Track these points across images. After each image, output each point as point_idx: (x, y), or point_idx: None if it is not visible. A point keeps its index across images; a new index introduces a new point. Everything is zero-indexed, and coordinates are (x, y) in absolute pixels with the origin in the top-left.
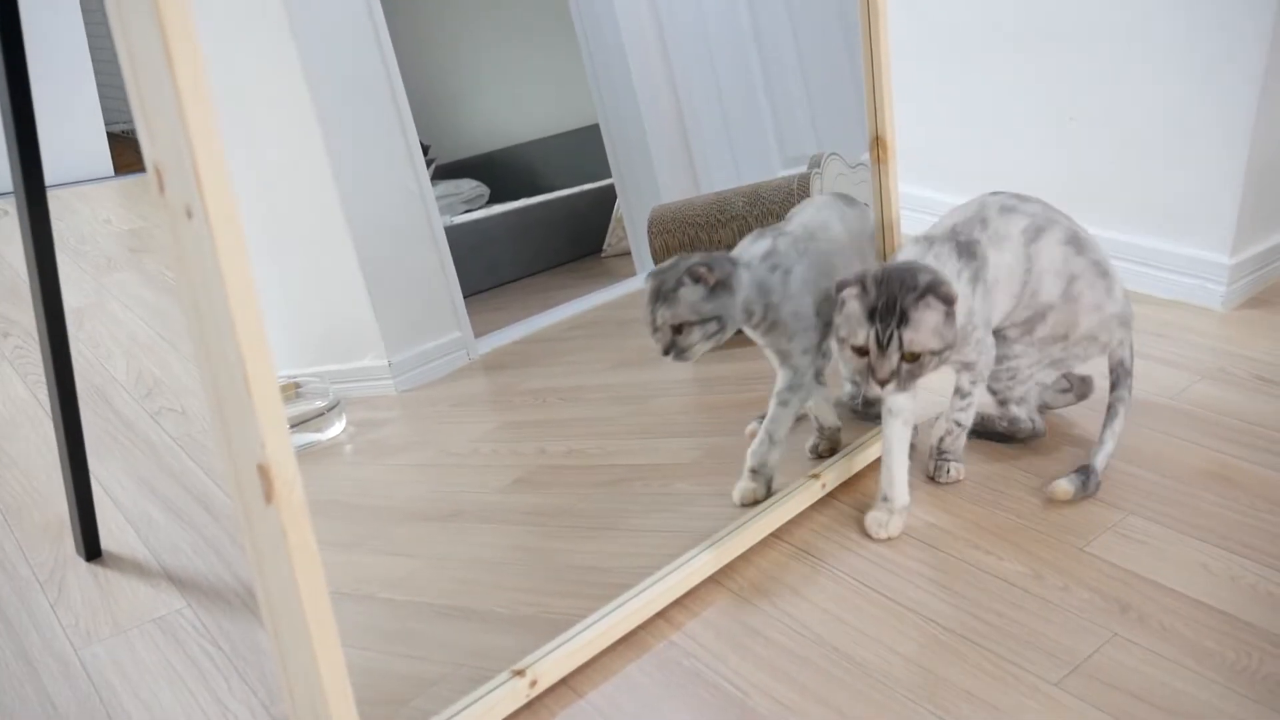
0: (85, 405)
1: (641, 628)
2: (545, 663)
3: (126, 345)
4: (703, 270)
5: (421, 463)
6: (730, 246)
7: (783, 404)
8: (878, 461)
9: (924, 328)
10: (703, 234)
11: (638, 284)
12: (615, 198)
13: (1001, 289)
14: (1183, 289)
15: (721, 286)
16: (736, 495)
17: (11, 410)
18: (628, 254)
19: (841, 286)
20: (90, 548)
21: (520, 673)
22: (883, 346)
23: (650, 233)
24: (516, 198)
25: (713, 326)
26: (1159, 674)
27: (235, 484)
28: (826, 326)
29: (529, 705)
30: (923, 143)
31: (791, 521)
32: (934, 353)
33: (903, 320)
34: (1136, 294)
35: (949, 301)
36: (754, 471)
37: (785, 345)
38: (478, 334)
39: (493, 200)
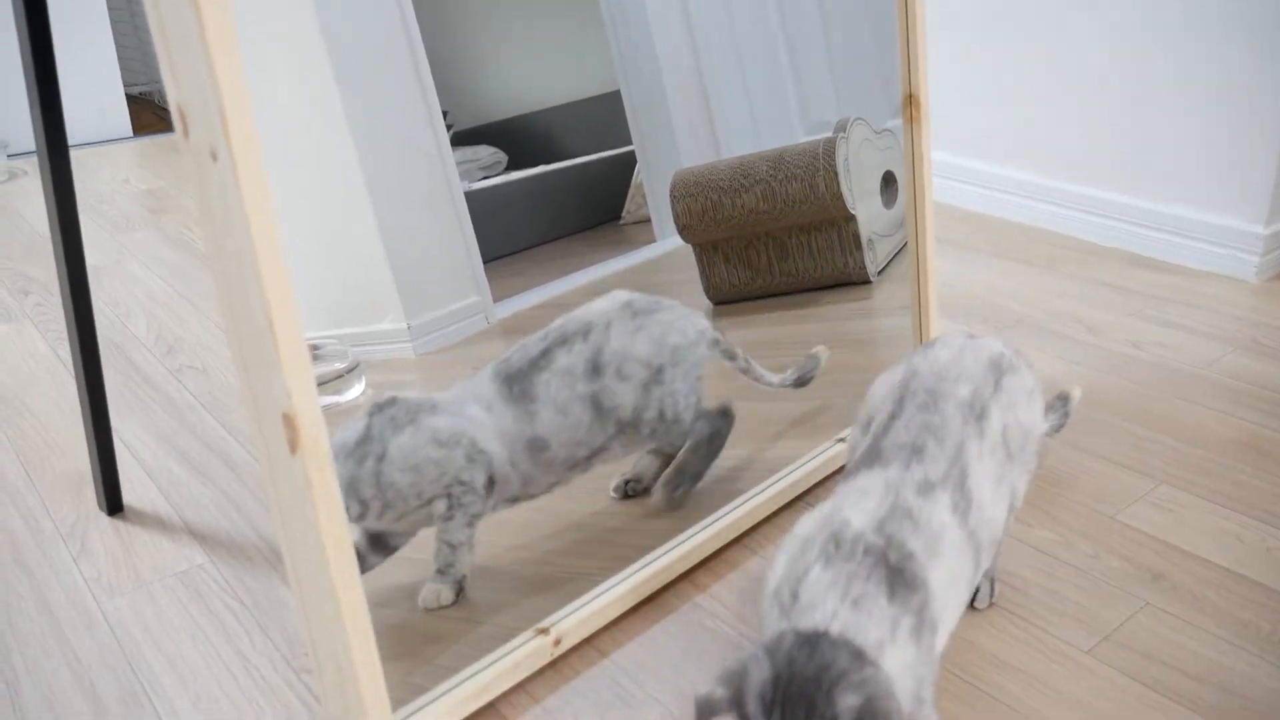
0: (106, 363)
1: (666, 589)
2: (569, 622)
3: (146, 303)
4: None
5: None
6: (754, 211)
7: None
8: None
9: None
10: (726, 198)
11: (657, 250)
12: (634, 165)
13: (952, 599)
14: (1216, 259)
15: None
16: (421, 598)
17: (32, 366)
18: (647, 221)
19: (707, 712)
20: (112, 502)
21: (544, 631)
22: None
23: (673, 197)
24: (534, 165)
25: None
26: (1191, 643)
27: (259, 434)
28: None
29: (553, 664)
30: (952, 108)
31: (819, 485)
32: None
33: None
34: (1168, 264)
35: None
36: (440, 572)
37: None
38: (496, 299)
39: (510, 167)
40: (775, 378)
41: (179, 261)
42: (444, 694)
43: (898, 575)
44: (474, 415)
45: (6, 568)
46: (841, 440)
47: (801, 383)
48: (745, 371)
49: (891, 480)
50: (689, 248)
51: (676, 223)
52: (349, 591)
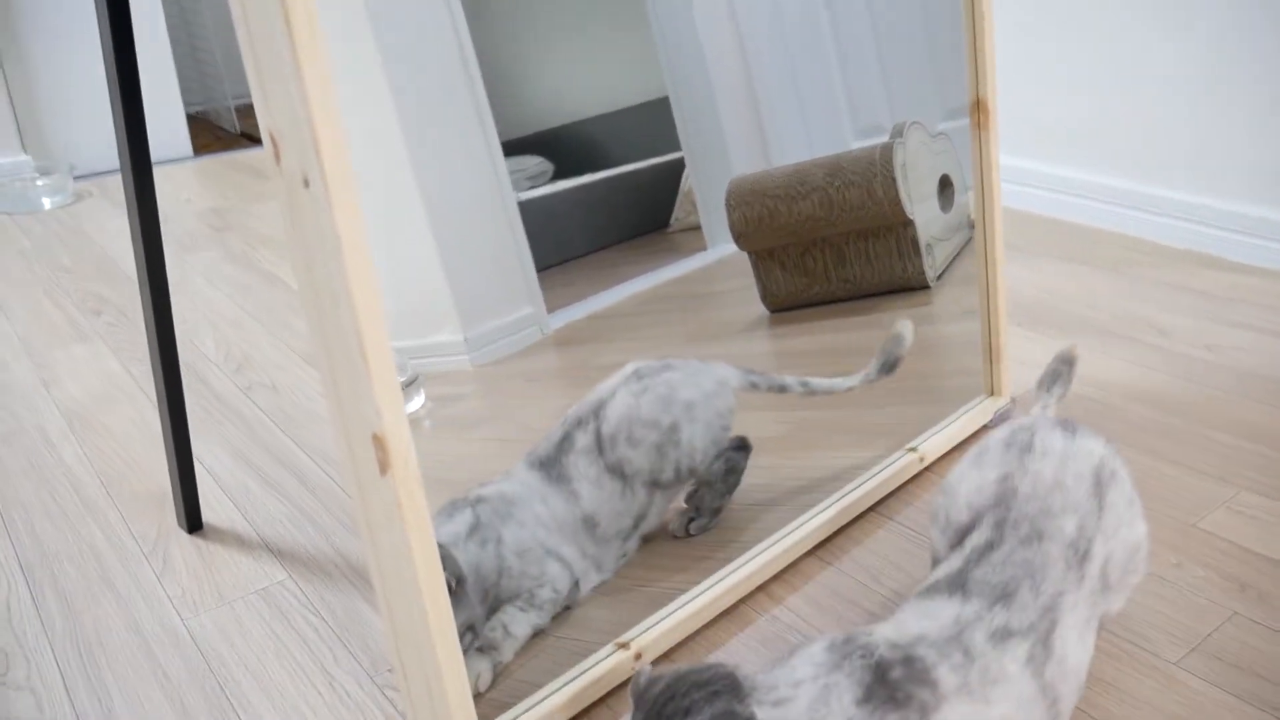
0: None
1: (743, 601)
2: (648, 635)
3: (214, 321)
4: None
5: (502, 437)
6: (811, 218)
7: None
8: (977, 433)
9: None
10: (782, 206)
11: (709, 258)
12: (681, 171)
13: None
14: None
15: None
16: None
17: (107, 385)
18: (695, 229)
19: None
20: (192, 520)
21: (624, 645)
22: None
23: (729, 205)
24: (581, 174)
25: (469, 637)
26: None
27: (349, 456)
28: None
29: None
30: (1013, 109)
31: (891, 496)
32: None
33: None
34: (1240, 264)
35: None
36: (481, 650)
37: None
38: (549, 309)
39: (557, 177)
40: (852, 380)
41: (244, 280)
42: (528, 710)
43: (887, 688)
44: (541, 515)
45: (93, 585)
46: (912, 450)
47: (888, 368)
48: (809, 393)
49: (965, 618)
50: (741, 255)
51: (732, 230)
52: (438, 610)
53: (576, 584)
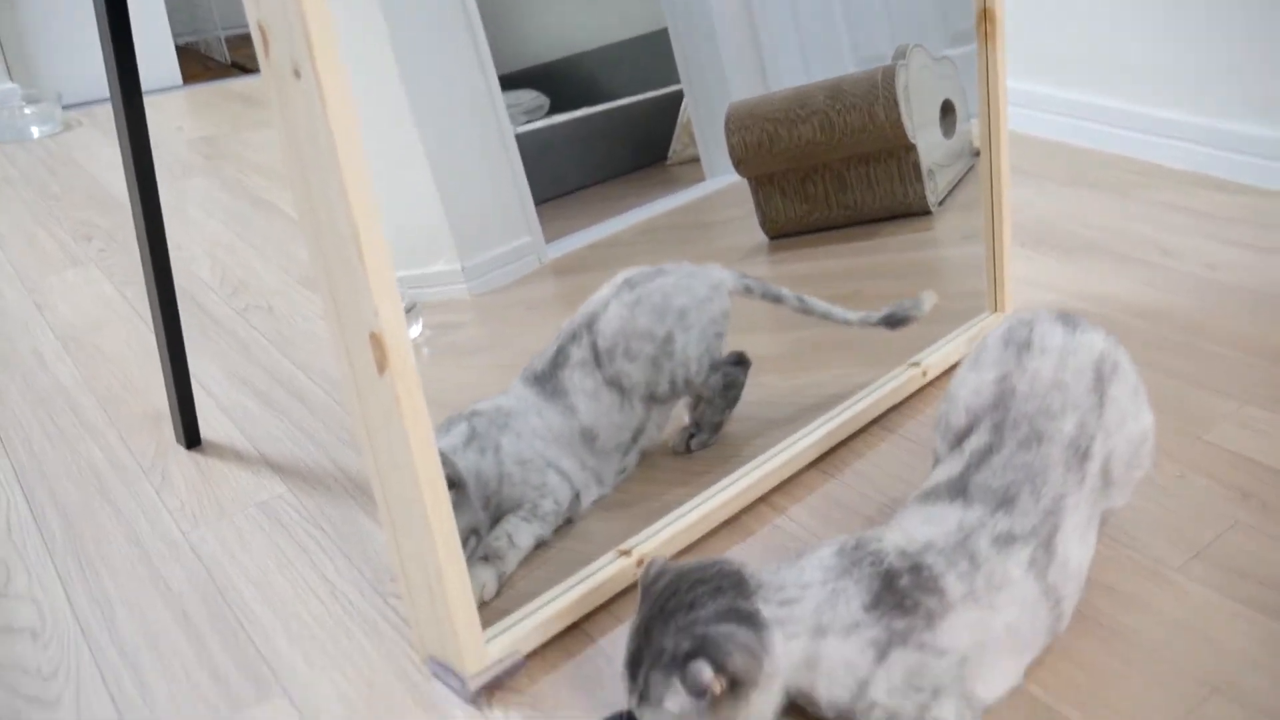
0: None
1: (744, 512)
2: (650, 544)
3: (209, 247)
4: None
5: (501, 363)
6: (812, 142)
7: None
8: None
9: (665, 716)
10: (782, 130)
11: (707, 189)
12: (679, 105)
13: (1008, 650)
14: None
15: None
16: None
17: (101, 309)
18: (694, 161)
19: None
20: (190, 436)
21: (626, 553)
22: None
23: (728, 129)
24: (577, 108)
25: (472, 542)
26: None
27: (346, 357)
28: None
29: (636, 585)
30: (1014, 30)
31: (893, 410)
32: None
33: (643, 696)
34: (1240, 185)
35: (702, 691)
36: (486, 559)
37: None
38: (547, 240)
39: (553, 111)
40: (851, 314)
41: (239, 207)
42: (531, 614)
43: (894, 595)
44: (538, 428)
45: (92, 500)
46: (915, 364)
47: (893, 321)
48: (805, 311)
49: (968, 524)
50: (741, 185)
51: (732, 156)
52: (440, 511)
53: (577, 496)
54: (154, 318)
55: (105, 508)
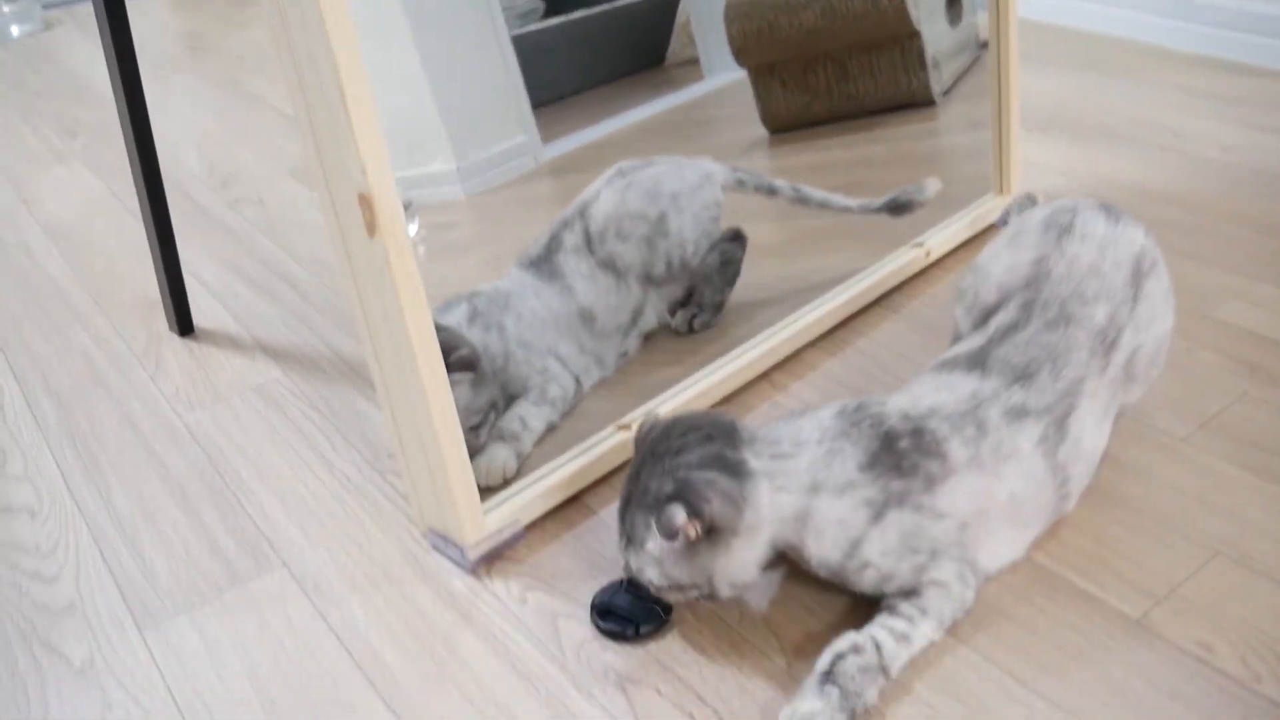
0: None
1: (744, 389)
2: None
3: (198, 140)
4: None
5: (498, 257)
6: (813, 30)
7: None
8: (986, 231)
9: (646, 557)
10: (782, 17)
11: (706, 87)
12: (677, 5)
13: (1006, 523)
14: None
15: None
16: (484, 463)
17: (88, 203)
18: (693, 62)
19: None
20: (183, 323)
21: (625, 427)
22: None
23: (728, 19)
24: (573, 10)
25: (492, 417)
26: None
27: (334, 220)
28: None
29: None
30: None
31: (896, 290)
32: (673, 588)
33: (629, 538)
34: (1252, 66)
35: (674, 533)
36: (502, 439)
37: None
38: (544, 141)
39: (549, 14)
40: (851, 201)
41: (227, 102)
42: (530, 485)
43: (892, 456)
44: (537, 310)
45: (85, 386)
46: (919, 245)
47: (896, 207)
48: (801, 201)
49: (982, 394)
50: (740, 83)
51: (731, 45)
52: (433, 374)
53: (578, 380)
54: (141, 204)
55: (99, 393)
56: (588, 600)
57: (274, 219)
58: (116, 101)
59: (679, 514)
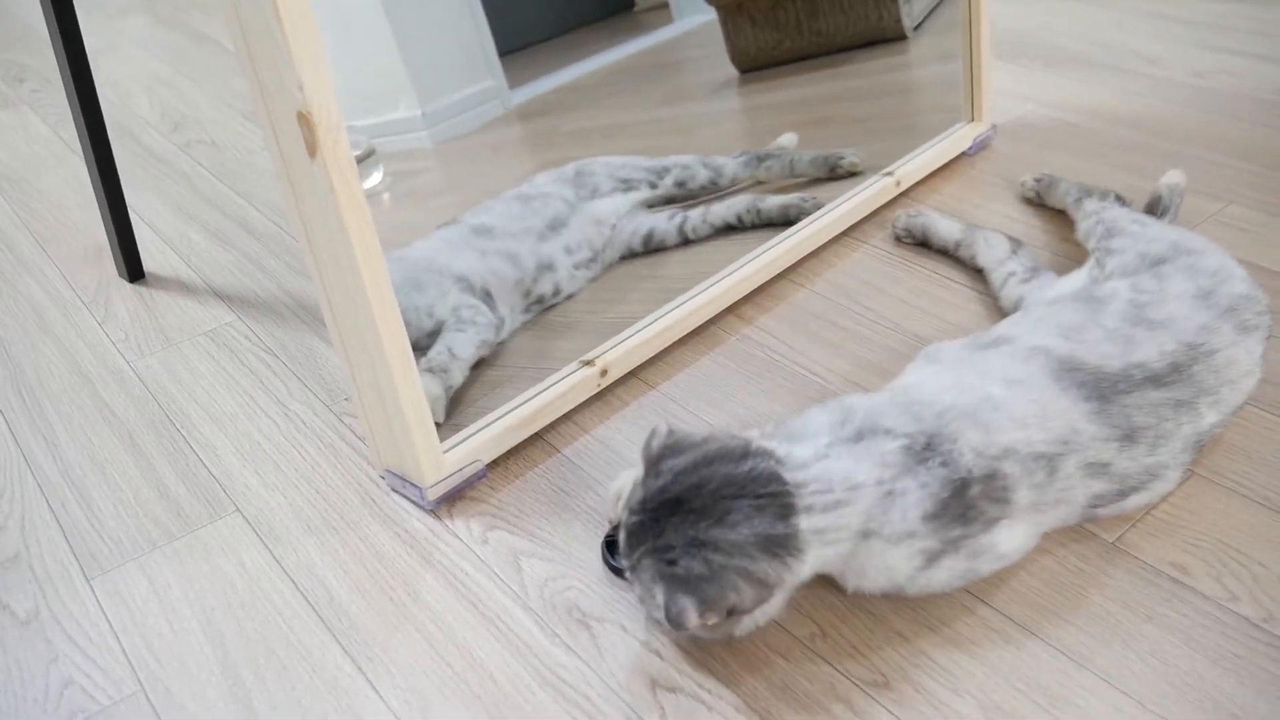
0: (113, 142)
1: (712, 323)
2: (614, 353)
3: (148, 84)
4: None
5: (464, 203)
6: None
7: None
8: (955, 161)
9: (653, 605)
10: None
11: (676, 30)
12: None
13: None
14: None
15: None
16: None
17: (36, 149)
18: (662, 6)
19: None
20: (132, 269)
21: (589, 363)
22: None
23: None
24: None
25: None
26: (1273, 353)
27: (274, 142)
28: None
29: (600, 395)
30: None
31: (865, 220)
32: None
33: (635, 570)
34: None
35: (679, 626)
36: (431, 370)
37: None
38: (512, 86)
39: None
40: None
41: (177, 42)
42: (490, 424)
43: (961, 505)
44: (431, 243)
45: (31, 334)
46: (889, 174)
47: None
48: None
49: (1078, 440)
50: (710, 25)
51: None
52: (384, 306)
53: (488, 292)
54: (83, 147)
55: (45, 339)
56: (551, 539)
57: (227, 162)
58: (52, 41)
59: (691, 614)
